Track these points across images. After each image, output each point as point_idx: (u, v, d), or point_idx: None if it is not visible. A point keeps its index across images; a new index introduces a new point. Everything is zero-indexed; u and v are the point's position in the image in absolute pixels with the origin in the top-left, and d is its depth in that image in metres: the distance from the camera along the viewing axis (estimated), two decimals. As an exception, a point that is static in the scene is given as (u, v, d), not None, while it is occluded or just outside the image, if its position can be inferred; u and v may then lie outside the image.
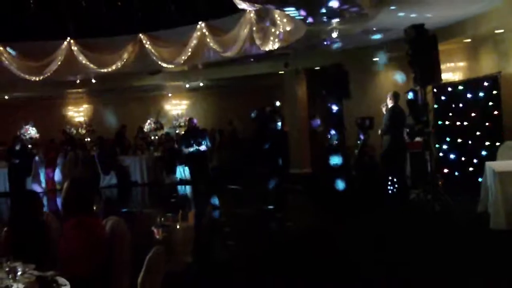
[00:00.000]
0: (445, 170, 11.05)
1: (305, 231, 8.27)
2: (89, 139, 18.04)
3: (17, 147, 13.88)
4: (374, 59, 13.60)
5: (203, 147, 10.53)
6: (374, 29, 10.38)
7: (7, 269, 3.25)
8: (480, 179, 8.43)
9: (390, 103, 9.89)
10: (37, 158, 14.94)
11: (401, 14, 9.05)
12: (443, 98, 11.13)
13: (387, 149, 9.66)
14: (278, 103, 11.06)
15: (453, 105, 10.69)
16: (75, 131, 18.44)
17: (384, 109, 10.55)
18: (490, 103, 9.23)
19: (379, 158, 10.50)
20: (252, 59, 14.28)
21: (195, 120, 11.07)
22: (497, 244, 6.41)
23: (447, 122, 11.02)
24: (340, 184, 10.50)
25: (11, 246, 3.91)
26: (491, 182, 7.11)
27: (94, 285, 3.51)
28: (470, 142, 9.99)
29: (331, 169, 10.86)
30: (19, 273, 3.24)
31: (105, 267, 3.58)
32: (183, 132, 13.25)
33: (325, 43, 11.42)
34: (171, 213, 9.61)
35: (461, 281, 5.34)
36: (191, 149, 10.49)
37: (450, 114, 10.82)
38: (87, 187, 3.92)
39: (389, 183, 10.07)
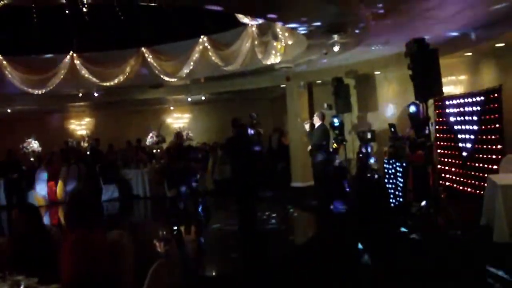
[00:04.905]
0: (447, 183, 11.05)
1: (307, 245, 8.25)
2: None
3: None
4: (376, 73, 13.65)
5: (192, 164, 9.81)
6: (376, 43, 10.41)
7: (9, 282, 3.26)
8: (482, 192, 8.43)
9: (318, 122, 10.74)
10: (39, 171, 14.96)
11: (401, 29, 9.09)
12: (444, 111, 11.16)
13: (322, 163, 10.57)
14: (255, 115, 10.45)
15: (455, 118, 10.71)
16: (76, 144, 18.49)
17: (307, 127, 11.31)
18: (492, 116, 9.23)
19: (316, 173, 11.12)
20: (253, 73, 14.32)
21: (182, 135, 10.51)
22: (500, 256, 6.39)
23: (448, 135, 11.03)
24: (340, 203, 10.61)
25: (9, 258, 3.91)
26: (494, 195, 7.10)
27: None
28: (471, 155, 10.00)
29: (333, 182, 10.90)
30: (22, 287, 3.25)
31: (108, 281, 3.58)
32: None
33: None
34: (173, 226, 9.61)
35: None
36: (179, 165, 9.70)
37: (452, 127, 10.84)
38: (89, 201, 3.91)
39: (391, 196, 10.09)
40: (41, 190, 14.76)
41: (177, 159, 9.84)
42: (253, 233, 8.80)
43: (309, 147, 11.12)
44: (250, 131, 10.25)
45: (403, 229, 8.18)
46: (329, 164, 10.84)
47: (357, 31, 9.02)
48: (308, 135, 11.38)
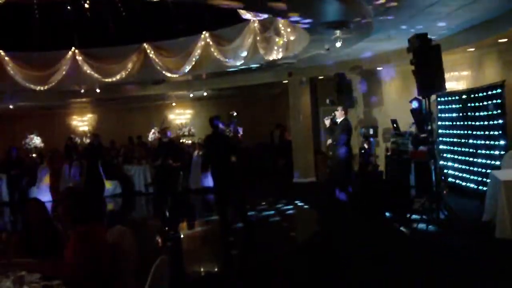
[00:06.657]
0: (450, 179, 11.03)
1: (309, 241, 8.25)
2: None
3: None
4: (378, 69, 13.61)
5: (174, 163, 9.46)
6: (379, 39, 10.38)
7: (12, 278, 3.26)
8: (485, 188, 8.42)
9: (341, 116, 10.53)
10: (42, 167, 14.98)
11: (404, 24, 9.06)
12: (447, 107, 11.13)
13: (345, 158, 10.43)
14: (232, 113, 10.29)
15: (457, 114, 10.68)
16: (79, 140, 18.52)
17: (327, 122, 10.98)
18: (494, 112, 9.21)
19: (337, 166, 10.86)
20: (255, 69, 14.30)
21: (169, 133, 10.29)
22: (502, 253, 6.39)
23: (451, 131, 11.01)
24: (344, 194, 10.53)
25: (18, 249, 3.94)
26: (496, 191, 7.08)
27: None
28: (474, 151, 9.98)
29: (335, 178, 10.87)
30: (25, 283, 3.25)
31: (110, 276, 3.58)
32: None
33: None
34: (175, 222, 9.62)
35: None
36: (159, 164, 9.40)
37: (454, 123, 10.82)
38: (88, 197, 3.90)
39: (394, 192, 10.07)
40: (43, 186, 14.77)
41: (156, 156, 9.68)
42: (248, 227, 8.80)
43: (329, 141, 11.00)
44: (228, 129, 10.09)
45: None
46: (350, 160, 10.70)
47: (359, 27, 8.99)
48: (328, 130, 11.23)
